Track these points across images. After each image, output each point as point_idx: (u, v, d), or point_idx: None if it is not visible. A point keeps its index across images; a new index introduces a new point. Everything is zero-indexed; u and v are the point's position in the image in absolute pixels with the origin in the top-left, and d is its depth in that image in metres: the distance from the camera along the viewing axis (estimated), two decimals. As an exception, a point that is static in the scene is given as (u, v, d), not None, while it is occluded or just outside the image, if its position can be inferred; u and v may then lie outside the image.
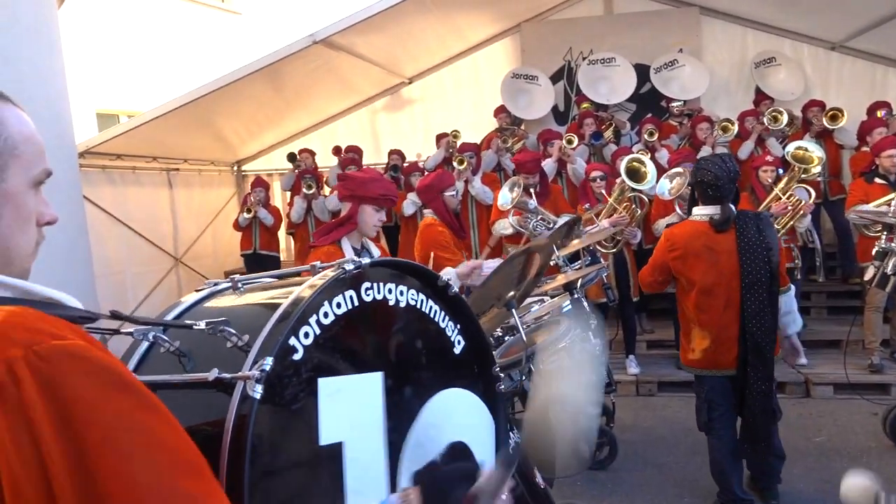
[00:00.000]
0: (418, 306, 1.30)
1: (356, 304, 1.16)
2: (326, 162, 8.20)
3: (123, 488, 0.70)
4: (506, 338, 3.08)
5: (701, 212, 3.28)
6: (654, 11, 8.12)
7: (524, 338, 2.17)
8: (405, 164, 7.50)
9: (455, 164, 6.47)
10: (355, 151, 7.76)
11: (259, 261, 7.55)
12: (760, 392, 3.21)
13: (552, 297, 3.64)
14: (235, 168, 9.25)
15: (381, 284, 1.22)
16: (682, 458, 4.42)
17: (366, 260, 1.19)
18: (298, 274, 1.37)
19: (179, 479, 0.74)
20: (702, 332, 3.29)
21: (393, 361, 1.22)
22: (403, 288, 1.27)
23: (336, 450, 1.07)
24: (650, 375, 5.79)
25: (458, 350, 1.39)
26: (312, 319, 1.07)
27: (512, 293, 2.32)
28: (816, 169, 5.30)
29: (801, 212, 5.28)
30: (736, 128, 6.81)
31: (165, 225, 7.81)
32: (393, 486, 1.17)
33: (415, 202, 6.36)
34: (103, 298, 5.91)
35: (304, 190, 7.29)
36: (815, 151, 5.37)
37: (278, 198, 8.57)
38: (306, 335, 1.06)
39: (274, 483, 0.98)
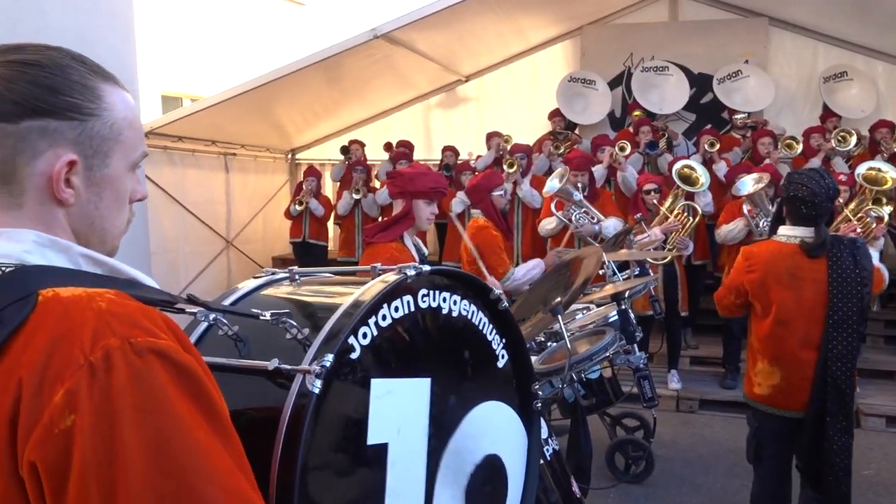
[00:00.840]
0: (469, 317, 1.31)
1: (412, 309, 1.17)
2: (378, 155, 8.28)
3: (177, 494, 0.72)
4: (548, 343, 3.06)
5: (789, 232, 2.89)
6: (721, 20, 7.91)
7: (569, 345, 2.15)
8: (458, 162, 7.51)
9: (505, 166, 6.44)
10: (406, 146, 7.82)
11: (307, 249, 7.69)
12: (842, 447, 2.76)
13: (598, 306, 3.60)
14: (290, 156, 9.42)
15: (437, 292, 1.23)
16: (721, 479, 4.32)
17: (426, 267, 1.21)
18: (354, 273, 1.38)
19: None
20: (771, 365, 2.91)
21: (441, 369, 1.23)
22: (457, 297, 1.28)
23: (381, 450, 1.09)
24: (692, 392, 5.67)
25: (500, 364, 1.40)
26: (371, 321, 1.09)
27: (558, 299, 2.30)
28: (886, 210, 5.13)
29: (872, 235, 5.10)
30: (801, 146, 6.59)
31: (219, 208, 8.02)
32: (429, 491, 1.18)
33: (463, 201, 6.37)
34: (157, 275, 6.10)
35: (353, 193, 7.39)
36: (889, 172, 5.18)
37: (329, 188, 8.70)
38: (364, 335, 1.07)
39: (321, 477, 1.00)
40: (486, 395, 1.34)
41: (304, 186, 7.69)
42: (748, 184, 5.22)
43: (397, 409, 1.12)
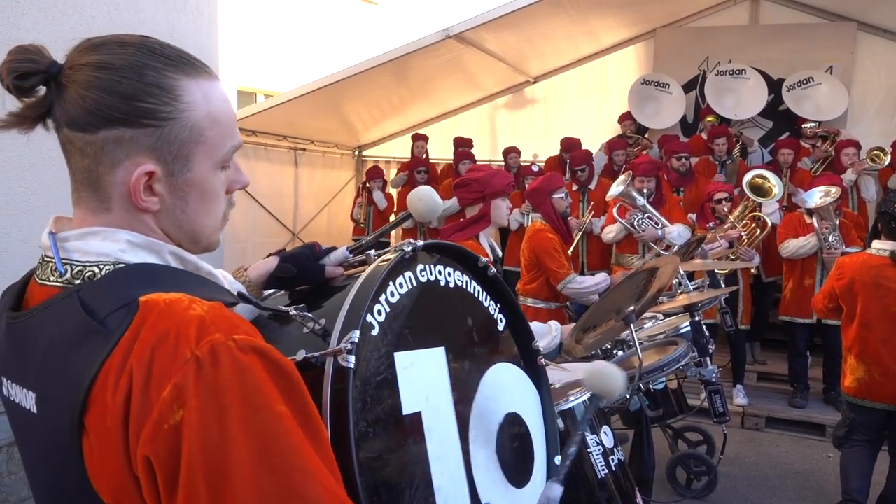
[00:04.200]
0: (464, 287, 1.37)
1: (414, 284, 1.22)
2: (442, 153, 8.32)
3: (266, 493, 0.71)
4: (615, 352, 3.01)
5: (881, 246, 3.28)
6: (806, 24, 7.58)
7: (640, 354, 2.11)
8: (521, 164, 7.44)
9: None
10: (466, 144, 7.74)
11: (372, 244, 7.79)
12: None
13: (665, 316, 3.52)
14: (356, 153, 9.57)
15: (432, 266, 1.29)
16: (788, 502, 4.15)
17: (420, 243, 1.25)
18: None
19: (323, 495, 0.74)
20: (857, 361, 3.38)
21: (450, 338, 1.28)
22: (451, 269, 1.34)
23: (417, 419, 1.13)
24: (758, 409, 5.48)
25: (500, 327, 1.46)
26: (382, 298, 1.14)
27: (632, 308, 2.26)
28: None
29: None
30: (889, 158, 6.25)
31: (287, 201, 8.22)
32: (466, 454, 1.22)
33: (518, 220, 6.29)
34: (227, 264, 6.31)
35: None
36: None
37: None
38: (379, 312, 1.12)
39: (373, 454, 1.03)
40: (494, 358, 1.40)
41: (367, 185, 7.80)
42: (815, 196, 5.01)
43: (422, 378, 1.17)
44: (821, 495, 4.20)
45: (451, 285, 1.34)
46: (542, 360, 1.53)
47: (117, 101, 0.81)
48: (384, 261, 1.20)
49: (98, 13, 3.13)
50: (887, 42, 7.37)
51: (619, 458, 2.34)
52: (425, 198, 1.41)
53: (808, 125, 7.00)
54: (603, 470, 2.29)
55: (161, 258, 0.88)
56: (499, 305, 1.46)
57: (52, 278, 0.86)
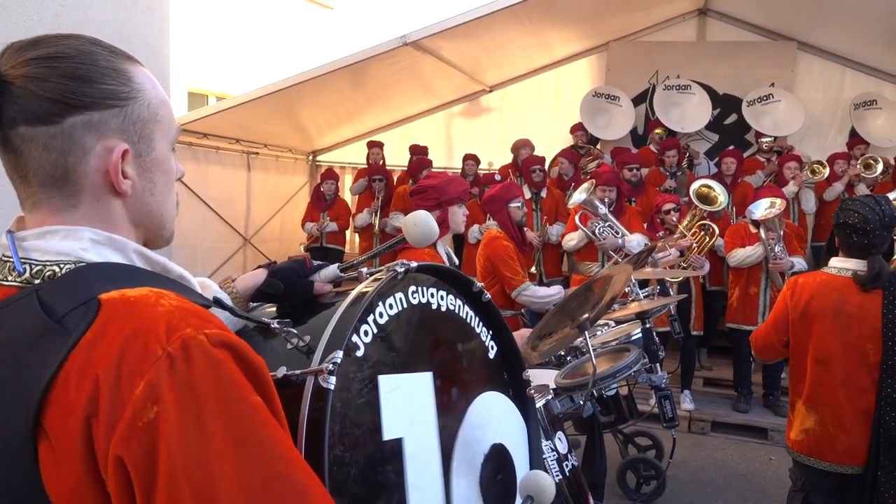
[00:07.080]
0: (456, 311, 1.35)
1: (405, 306, 1.20)
2: (398, 160, 8.31)
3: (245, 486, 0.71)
4: (568, 358, 3.06)
5: (841, 264, 2.66)
6: (750, 42, 7.90)
7: (594, 361, 2.15)
8: (481, 172, 7.51)
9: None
10: (422, 152, 7.78)
11: (324, 253, 7.73)
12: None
13: (617, 323, 3.59)
14: (310, 158, 9.47)
15: (425, 288, 1.27)
16: (732, 503, 4.28)
17: (413, 264, 1.23)
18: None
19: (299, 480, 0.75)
20: (806, 408, 2.68)
21: (439, 363, 1.26)
22: (443, 293, 1.32)
23: (397, 445, 1.10)
24: (704, 413, 5.64)
25: (491, 355, 1.44)
26: (370, 318, 1.12)
27: (586, 315, 2.30)
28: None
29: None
30: (827, 171, 6.58)
31: (239, 205, 8.07)
32: (447, 484, 1.19)
33: (476, 236, 6.35)
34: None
35: (372, 216, 7.51)
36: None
37: (348, 193, 8.68)
38: (366, 333, 1.09)
39: (345, 478, 1.00)
40: (483, 386, 1.38)
41: (322, 189, 7.76)
42: (761, 207, 5.21)
43: (406, 403, 1.14)
44: (763, 496, 4.35)
45: (444, 309, 1.31)
46: (532, 392, 1.50)
47: (81, 86, 0.81)
48: (375, 279, 1.17)
49: (43, 8, 3.02)
50: (824, 61, 7.75)
51: (573, 464, 2.38)
52: (420, 223, 1.36)
53: (764, 140, 7.29)
54: (557, 476, 2.32)
55: (126, 257, 0.86)
56: (491, 332, 1.44)
57: (10, 278, 0.84)
